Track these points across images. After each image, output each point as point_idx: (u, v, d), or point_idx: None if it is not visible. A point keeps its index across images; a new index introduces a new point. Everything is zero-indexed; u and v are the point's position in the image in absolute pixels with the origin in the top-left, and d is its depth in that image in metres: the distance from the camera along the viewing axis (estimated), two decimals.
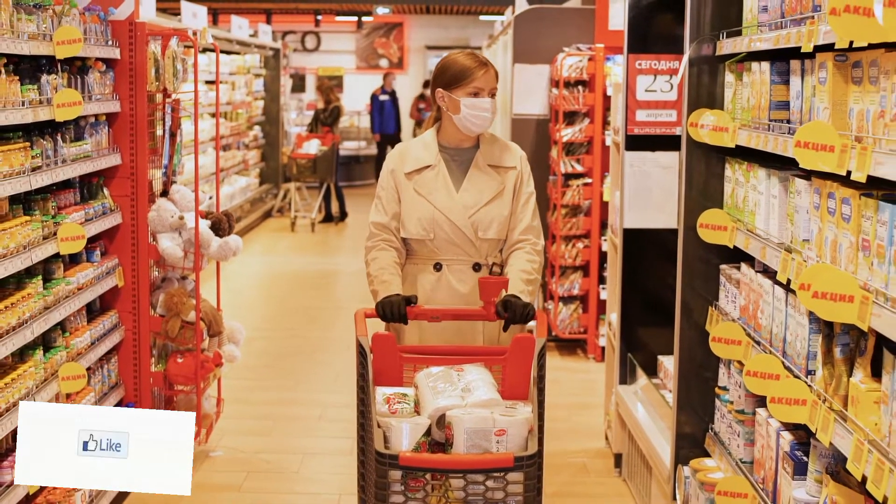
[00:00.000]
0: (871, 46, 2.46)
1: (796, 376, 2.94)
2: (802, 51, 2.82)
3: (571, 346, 7.66)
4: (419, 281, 3.78)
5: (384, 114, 17.89)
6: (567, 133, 7.45)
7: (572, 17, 8.07)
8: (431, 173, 3.79)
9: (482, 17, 20.49)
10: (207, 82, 11.06)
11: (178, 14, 11.80)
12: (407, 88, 20.39)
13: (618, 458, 5.27)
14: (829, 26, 2.43)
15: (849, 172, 2.50)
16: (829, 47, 2.69)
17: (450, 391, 3.14)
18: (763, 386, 3.01)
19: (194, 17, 11.18)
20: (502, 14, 14.09)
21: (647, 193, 5.06)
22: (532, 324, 3.59)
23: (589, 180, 7.46)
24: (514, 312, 3.47)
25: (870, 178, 2.44)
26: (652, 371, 5.00)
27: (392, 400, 3.14)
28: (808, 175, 2.97)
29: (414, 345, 3.66)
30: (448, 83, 3.75)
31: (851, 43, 2.43)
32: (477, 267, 3.77)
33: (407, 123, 19.49)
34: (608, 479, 5.23)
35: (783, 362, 3.07)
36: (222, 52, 9.95)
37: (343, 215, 14.44)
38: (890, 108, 2.37)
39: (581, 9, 8.18)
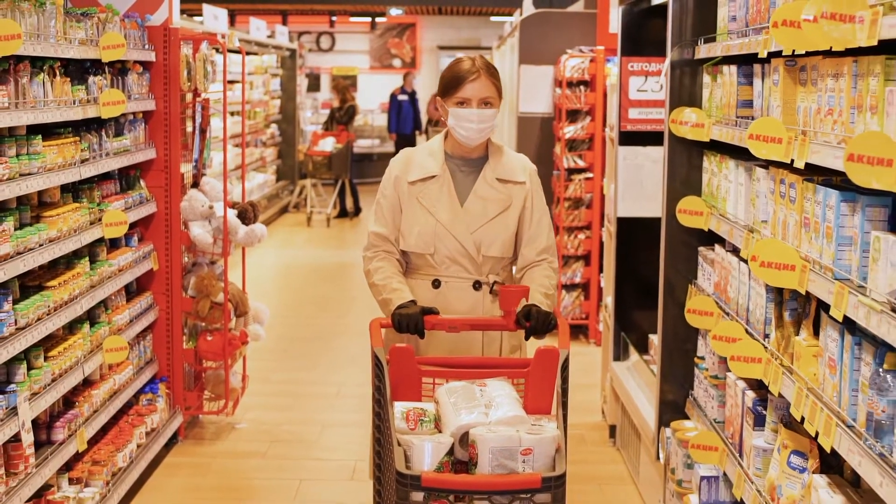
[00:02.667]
0: (811, 53, 2.90)
1: (755, 339, 3.38)
2: (759, 56, 3.25)
3: (574, 331, 8.09)
4: (417, 296, 3.56)
5: (401, 114, 17.80)
6: (569, 130, 7.89)
7: (575, 20, 8.51)
8: (436, 184, 3.61)
9: (493, 18, 20.92)
10: (230, 82, 11.51)
11: (199, 15, 12.28)
12: (419, 88, 20.79)
13: (612, 430, 5.71)
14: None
15: (792, 160, 2.93)
16: (781, 53, 3.12)
17: (473, 408, 3.01)
18: (726, 348, 3.44)
19: (215, 19, 11.65)
20: (512, 15, 14.52)
21: (640, 185, 5.49)
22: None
23: (590, 175, 7.90)
24: (536, 321, 3.35)
25: (817, 166, 2.86)
26: (643, 349, 5.44)
27: (411, 416, 3.02)
28: (766, 165, 3.40)
29: (432, 357, 3.49)
30: (442, 91, 3.60)
31: (794, 50, 2.87)
32: (477, 285, 3.60)
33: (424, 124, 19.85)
34: (603, 448, 5.66)
35: (746, 328, 3.50)
36: (234, 51, 10.34)
37: (357, 210, 14.89)
38: (824, 106, 2.80)
39: (583, 13, 8.62)
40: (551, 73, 8.33)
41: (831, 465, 3.02)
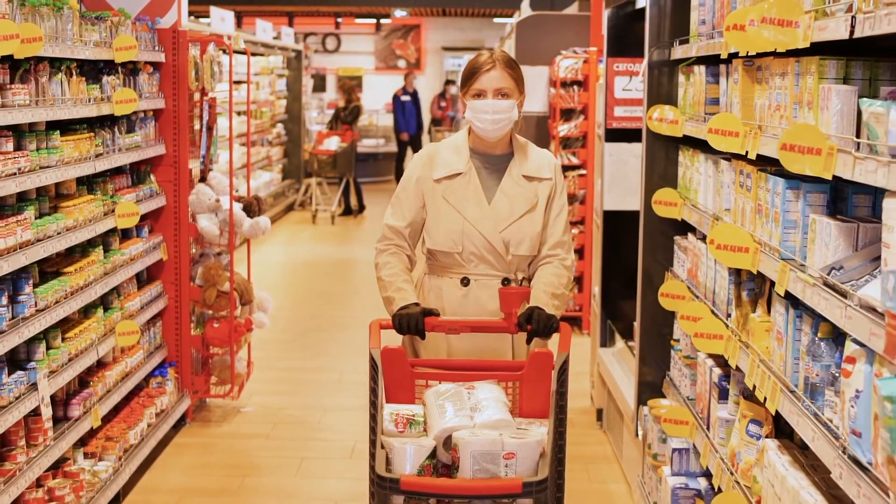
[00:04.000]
0: (765, 54, 3.17)
1: (718, 318, 3.66)
2: (721, 58, 3.53)
3: (568, 323, 8.34)
4: (445, 295, 3.58)
5: (406, 114, 17.98)
6: (563, 129, 8.18)
7: (569, 22, 8.80)
8: (462, 181, 3.57)
9: (496, 20, 21.21)
10: (236, 82, 11.80)
11: (206, 17, 12.58)
12: (424, 88, 21.10)
13: (599, 413, 5.99)
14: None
15: (747, 152, 3.21)
16: (738, 54, 3.40)
17: (458, 410, 2.98)
18: (691, 326, 3.72)
19: (222, 21, 11.95)
20: (513, 16, 14.80)
21: (625, 179, 5.77)
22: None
23: (583, 171, 8.18)
24: (537, 324, 3.30)
25: (775, 158, 3.14)
26: (629, 335, 5.71)
27: (400, 419, 3.00)
28: (730, 158, 3.67)
29: (428, 359, 3.51)
30: (461, 85, 3.62)
31: (748, 52, 3.15)
32: (506, 282, 3.57)
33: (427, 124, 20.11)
34: (591, 430, 5.94)
35: (712, 309, 3.78)
36: (240, 52, 10.59)
37: (361, 208, 15.19)
38: (773, 102, 3.08)
39: (578, 15, 8.91)
40: (546, 73, 8.60)
41: (786, 432, 3.30)
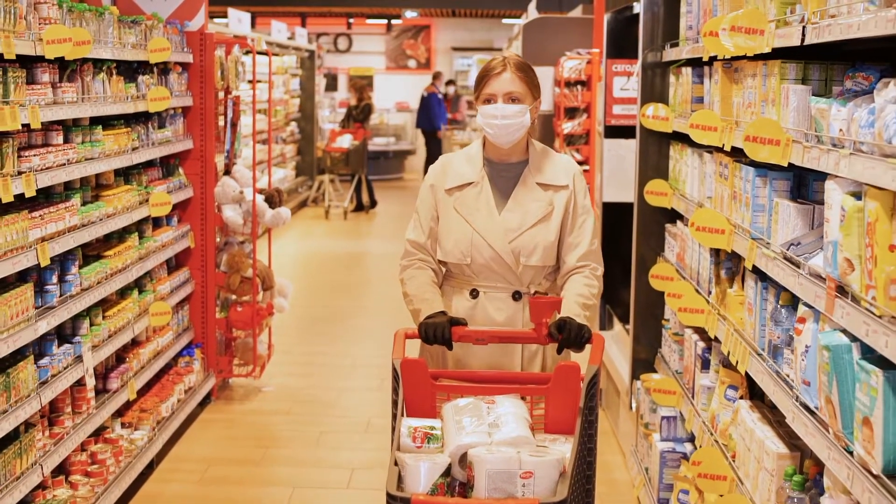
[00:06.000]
0: (738, 57, 3.56)
1: (701, 295, 4.05)
2: (703, 60, 3.92)
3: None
4: (454, 305, 3.49)
5: (441, 110, 18.23)
6: (567, 126, 8.57)
7: (574, 25, 9.19)
8: (474, 191, 3.47)
9: (504, 21, 21.59)
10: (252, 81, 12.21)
11: (222, 17, 12.99)
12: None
13: (598, 393, 6.37)
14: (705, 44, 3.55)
15: (723, 145, 3.60)
16: (717, 58, 3.79)
17: (476, 426, 2.87)
18: (676, 302, 4.12)
19: (239, 22, 12.35)
20: (520, 17, 15.17)
21: (623, 173, 6.16)
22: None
23: (586, 167, 8.56)
24: (568, 334, 3.15)
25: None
26: (626, 320, 6.08)
27: (418, 433, 2.89)
28: (712, 151, 4.06)
29: (449, 370, 3.41)
30: (474, 90, 3.51)
31: (723, 55, 3.54)
32: (517, 295, 3.45)
33: None
34: None
35: (696, 288, 4.17)
36: (262, 53, 10.97)
37: (373, 205, 15.58)
38: (746, 100, 3.46)
39: (581, 18, 9.29)
40: (551, 73, 8.99)
41: (759, 395, 3.68)
